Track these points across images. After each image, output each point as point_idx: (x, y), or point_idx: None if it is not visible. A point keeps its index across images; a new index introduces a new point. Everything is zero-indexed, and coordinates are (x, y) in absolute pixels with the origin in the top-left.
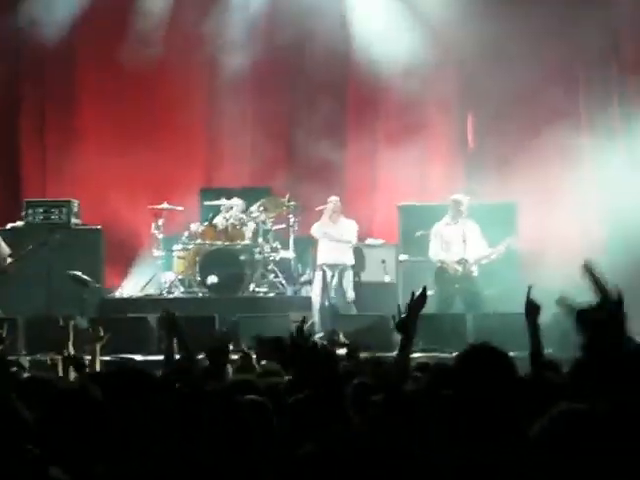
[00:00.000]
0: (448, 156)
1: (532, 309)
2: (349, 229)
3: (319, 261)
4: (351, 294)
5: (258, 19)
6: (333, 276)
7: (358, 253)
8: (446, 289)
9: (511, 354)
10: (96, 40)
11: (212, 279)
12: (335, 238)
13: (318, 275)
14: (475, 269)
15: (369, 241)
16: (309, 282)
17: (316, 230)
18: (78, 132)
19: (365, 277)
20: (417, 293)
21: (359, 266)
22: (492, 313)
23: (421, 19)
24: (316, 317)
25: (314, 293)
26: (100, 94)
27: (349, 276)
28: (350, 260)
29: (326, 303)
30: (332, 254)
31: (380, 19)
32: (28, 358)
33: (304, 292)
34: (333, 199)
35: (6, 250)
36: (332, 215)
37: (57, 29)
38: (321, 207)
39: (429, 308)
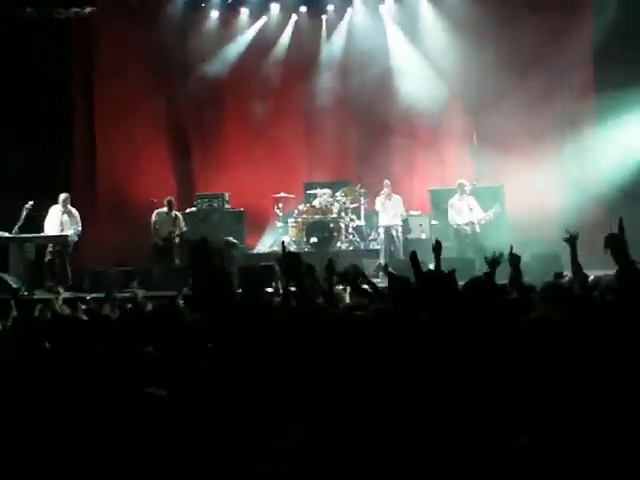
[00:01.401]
0: (459, 155)
1: (515, 257)
2: (399, 203)
3: (380, 224)
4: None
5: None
6: (390, 234)
7: (405, 220)
8: (461, 242)
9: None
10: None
11: (313, 239)
12: (390, 209)
13: (381, 234)
14: (479, 228)
15: (412, 212)
16: (375, 239)
17: (378, 204)
18: (227, 149)
19: (410, 235)
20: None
21: (406, 228)
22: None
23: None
24: (382, 260)
25: (380, 245)
26: (242, 122)
27: (399, 234)
28: (400, 223)
29: (390, 250)
30: (388, 220)
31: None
32: None
33: (371, 246)
34: (386, 182)
35: (182, 224)
36: (387, 194)
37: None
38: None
39: (450, 254)
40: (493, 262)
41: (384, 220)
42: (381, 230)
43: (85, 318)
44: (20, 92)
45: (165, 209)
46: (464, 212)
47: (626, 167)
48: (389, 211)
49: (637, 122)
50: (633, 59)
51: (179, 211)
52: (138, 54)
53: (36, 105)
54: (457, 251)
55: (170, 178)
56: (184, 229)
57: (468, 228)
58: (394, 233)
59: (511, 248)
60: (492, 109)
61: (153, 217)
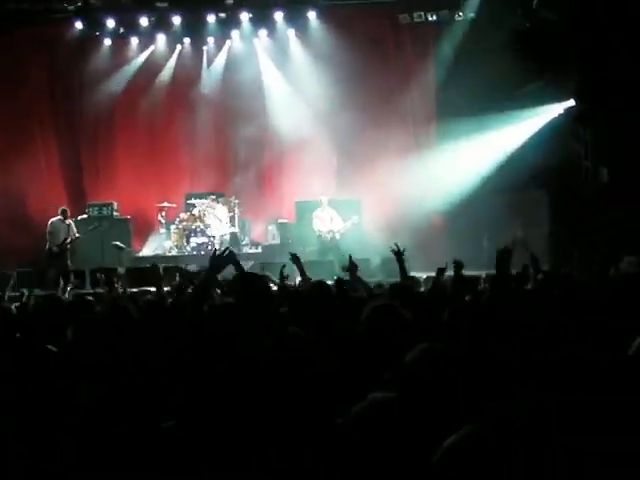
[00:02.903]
0: (323, 172)
1: (352, 265)
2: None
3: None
4: None
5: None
6: None
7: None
8: (323, 247)
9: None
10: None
11: (192, 244)
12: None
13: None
14: (338, 236)
15: (280, 220)
16: (247, 244)
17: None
18: (116, 163)
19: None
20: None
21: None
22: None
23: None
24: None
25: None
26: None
27: None
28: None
29: None
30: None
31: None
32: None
33: (244, 250)
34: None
35: (74, 231)
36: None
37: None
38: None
39: (314, 257)
40: (347, 269)
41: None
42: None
43: None
44: None
45: (59, 217)
46: (326, 221)
47: (461, 182)
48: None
49: (471, 145)
50: (468, 93)
51: (71, 218)
52: (37, 74)
53: None
54: (319, 254)
55: (62, 188)
56: (77, 235)
57: (329, 235)
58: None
59: (350, 257)
60: (351, 134)
61: (48, 226)
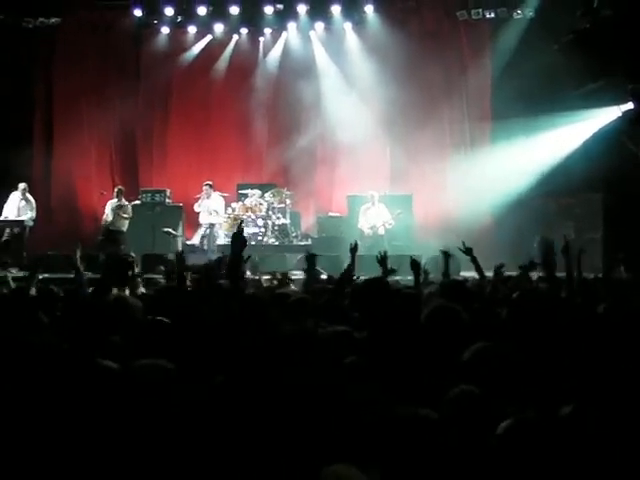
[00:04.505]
0: (375, 166)
1: (414, 263)
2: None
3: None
4: None
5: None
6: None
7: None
8: (365, 243)
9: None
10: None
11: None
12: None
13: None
14: (383, 231)
15: (330, 214)
16: (297, 236)
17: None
18: (170, 150)
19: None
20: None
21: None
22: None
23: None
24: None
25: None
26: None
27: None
28: (217, 222)
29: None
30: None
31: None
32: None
33: (294, 242)
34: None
35: (130, 212)
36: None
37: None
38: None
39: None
40: (382, 260)
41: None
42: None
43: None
44: None
45: (115, 199)
46: (372, 217)
47: (514, 183)
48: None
49: (525, 145)
50: (524, 93)
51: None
52: (94, 61)
53: (2, 105)
54: (362, 250)
55: (117, 173)
56: (131, 215)
57: (371, 231)
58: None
59: (384, 253)
60: (404, 129)
61: (106, 208)
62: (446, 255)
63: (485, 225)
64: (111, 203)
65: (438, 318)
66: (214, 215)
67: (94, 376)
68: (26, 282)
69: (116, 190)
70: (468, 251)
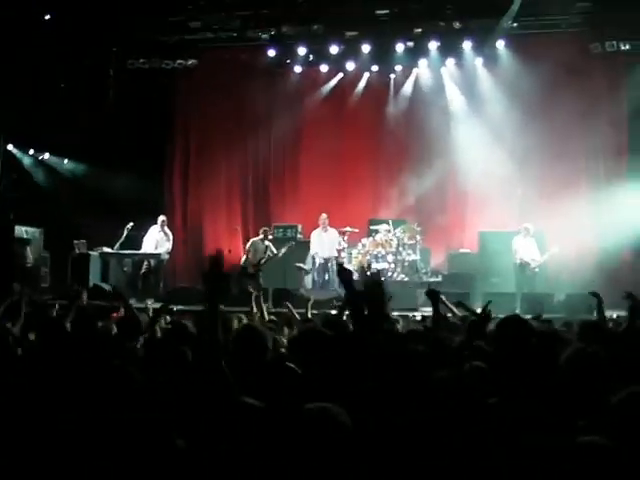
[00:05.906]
0: (505, 203)
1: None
2: (334, 236)
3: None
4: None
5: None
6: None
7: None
8: (523, 277)
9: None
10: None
11: (374, 269)
12: (326, 242)
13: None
14: (537, 268)
15: (461, 250)
16: (426, 273)
17: (314, 236)
18: (301, 186)
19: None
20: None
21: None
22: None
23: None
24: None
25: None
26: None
27: (334, 265)
28: (335, 255)
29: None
30: (327, 252)
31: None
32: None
33: (424, 278)
34: (323, 216)
35: (273, 250)
36: (324, 227)
37: None
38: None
39: (511, 288)
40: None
41: (324, 252)
42: (317, 260)
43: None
44: (125, 130)
45: (260, 237)
46: (528, 250)
47: None
48: (325, 244)
49: None
50: None
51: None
52: (229, 98)
53: (144, 138)
54: (517, 285)
55: (250, 209)
56: (275, 252)
57: (532, 264)
58: (329, 265)
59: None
60: (537, 165)
61: (248, 244)
62: (598, 297)
63: (624, 261)
64: (254, 242)
65: (579, 362)
66: (329, 249)
67: (242, 415)
68: (157, 313)
69: (262, 231)
70: (595, 295)
